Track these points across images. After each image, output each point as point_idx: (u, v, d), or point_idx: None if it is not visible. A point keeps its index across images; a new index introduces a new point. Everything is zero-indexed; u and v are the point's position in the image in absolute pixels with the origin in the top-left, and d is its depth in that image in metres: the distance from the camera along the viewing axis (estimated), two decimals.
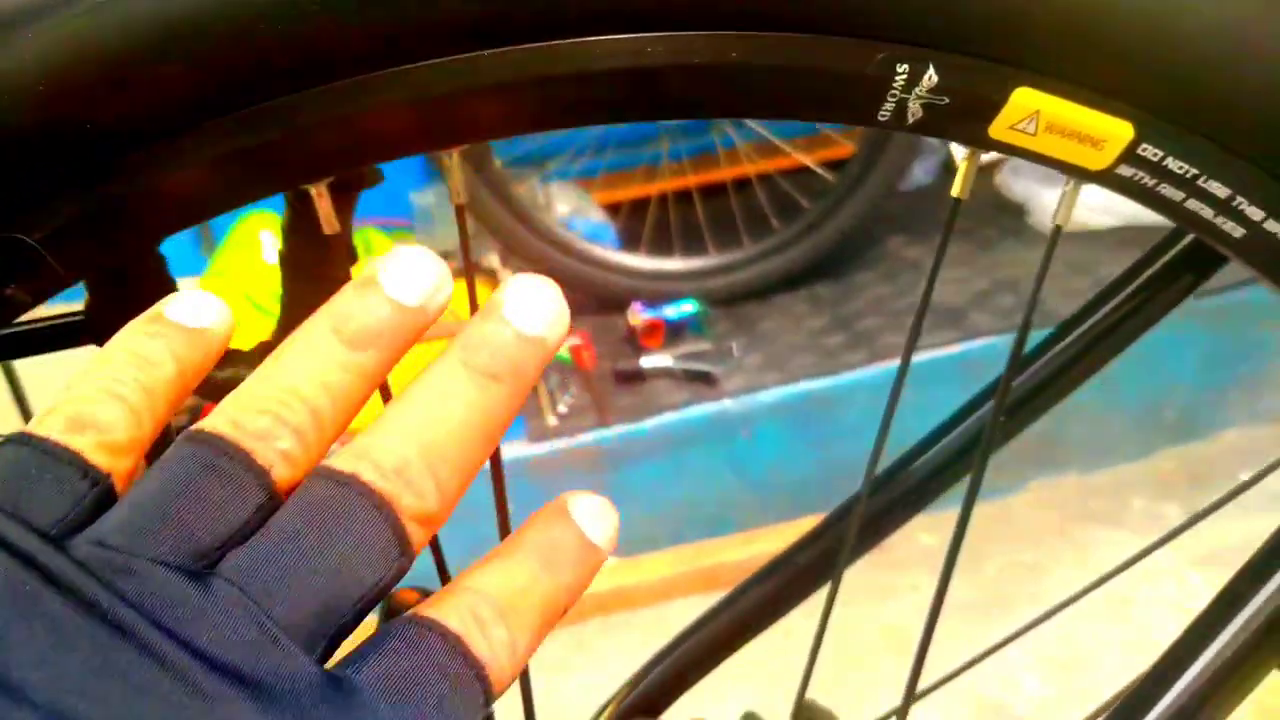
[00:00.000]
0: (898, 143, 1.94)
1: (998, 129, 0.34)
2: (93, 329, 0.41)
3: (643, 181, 2.29)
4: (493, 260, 2.26)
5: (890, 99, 0.32)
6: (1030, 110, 0.33)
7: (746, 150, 2.16)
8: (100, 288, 0.40)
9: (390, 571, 0.25)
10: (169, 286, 0.41)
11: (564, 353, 1.96)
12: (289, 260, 0.40)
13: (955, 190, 0.39)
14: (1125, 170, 0.35)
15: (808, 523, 2.00)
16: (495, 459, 0.39)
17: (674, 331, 2.02)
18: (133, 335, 0.27)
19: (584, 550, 0.28)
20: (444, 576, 0.41)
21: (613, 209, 2.29)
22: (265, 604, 0.23)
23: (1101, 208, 2.11)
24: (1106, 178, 0.36)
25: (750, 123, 2.11)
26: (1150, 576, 1.80)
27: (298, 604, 0.23)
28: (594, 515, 0.29)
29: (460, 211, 0.35)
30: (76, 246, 0.33)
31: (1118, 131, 0.34)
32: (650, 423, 1.84)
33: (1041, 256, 0.40)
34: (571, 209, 2.25)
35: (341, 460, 0.25)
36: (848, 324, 1.99)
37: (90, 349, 0.41)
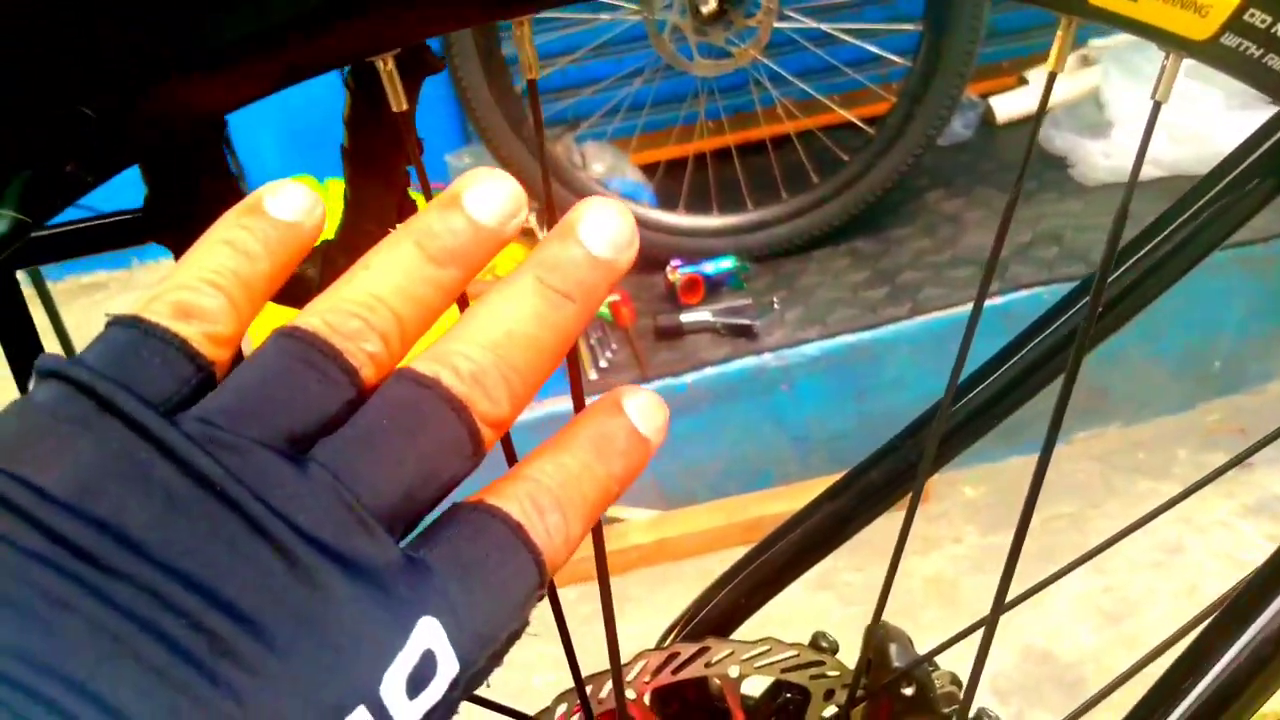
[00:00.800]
0: (936, 96, 1.91)
1: None
2: (152, 225, 0.40)
3: (679, 141, 2.26)
4: (530, 219, 2.25)
5: None
6: None
7: (785, 107, 2.13)
8: (159, 180, 0.39)
9: (464, 468, 0.27)
10: (229, 180, 0.40)
11: (604, 309, 1.95)
12: (352, 153, 0.39)
13: (1051, 64, 0.38)
14: (1230, 40, 0.33)
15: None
16: (574, 358, 0.38)
17: (713, 287, 2.01)
18: (232, 226, 0.28)
19: (634, 442, 0.29)
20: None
21: (649, 169, 2.27)
22: (354, 489, 0.24)
23: (1148, 159, 2.07)
24: (1209, 49, 0.34)
25: (791, 78, 2.08)
26: (1200, 527, 1.78)
27: (383, 491, 0.25)
28: (644, 409, 0.30)
29: (532, 86, 0.34)
30: (137, 119, 0.32)
31: None
32: (690, 377, 1.83)
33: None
34: (607, 168, 2.23)
35: (423, 364, 0.27)
36: (888, 278, 1.97)
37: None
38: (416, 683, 0.24)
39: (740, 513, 1.90)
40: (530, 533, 0.26)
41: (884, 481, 0.55)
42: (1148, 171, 2.06)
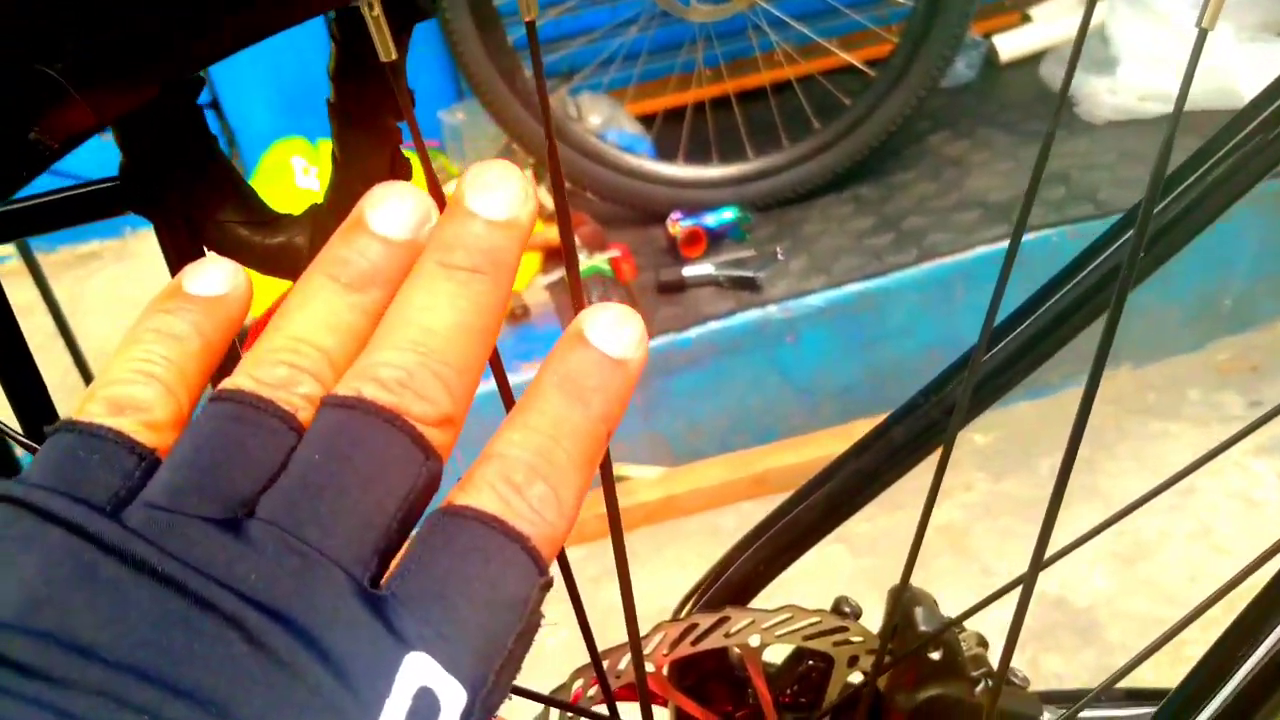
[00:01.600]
0: (940, 36, 1.87)
1: None
2: (130, 195, 0.38)
3: (677, 90, 2.22)
4: (526, 175, 2.21)
5: None
6: None
7: (785, 51, 2.09)
8: (135, 146, 0.36)
9: (420, 478, 0.25)
10: (209, 143, 0.37)
11: (604, 265, 1.92)
12: (339, 108, 0.37)
13: None
14: None
15: (858, 427, 1.95)
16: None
17: (715, 239, 1.98)
18: (156, 313, 0.28)
19: (607, 370, 0.27)
20: None
21: (647, 120, 2.23)
22: (302, 533, 0.23)
23: (1152, 94, 2.04)
24: None
25: (790, 21, 2.04)
26: (1212, 468, 1.76)
27: (333, 527, 0.24)
28: (610, 328, 0.28)
29: (530, 27, 0.31)
30: (104, 79, 0.29)
31: None
32: (694, 332, 1.81)
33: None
34: (604, 120, 2.19)
35: (344, 386, 0.26)
36: (893, 224, 1.94)
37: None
38: None
39: (747, 467, 1.88)
40: (509, 519, 0.25)
41: (908, 438, 0.53)
42: (1154, 109, 2.03)
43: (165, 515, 0.23)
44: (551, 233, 2.02)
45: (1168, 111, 2.02)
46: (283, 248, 0.38)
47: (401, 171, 0.38)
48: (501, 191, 0.28)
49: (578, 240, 1.99)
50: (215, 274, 0.29)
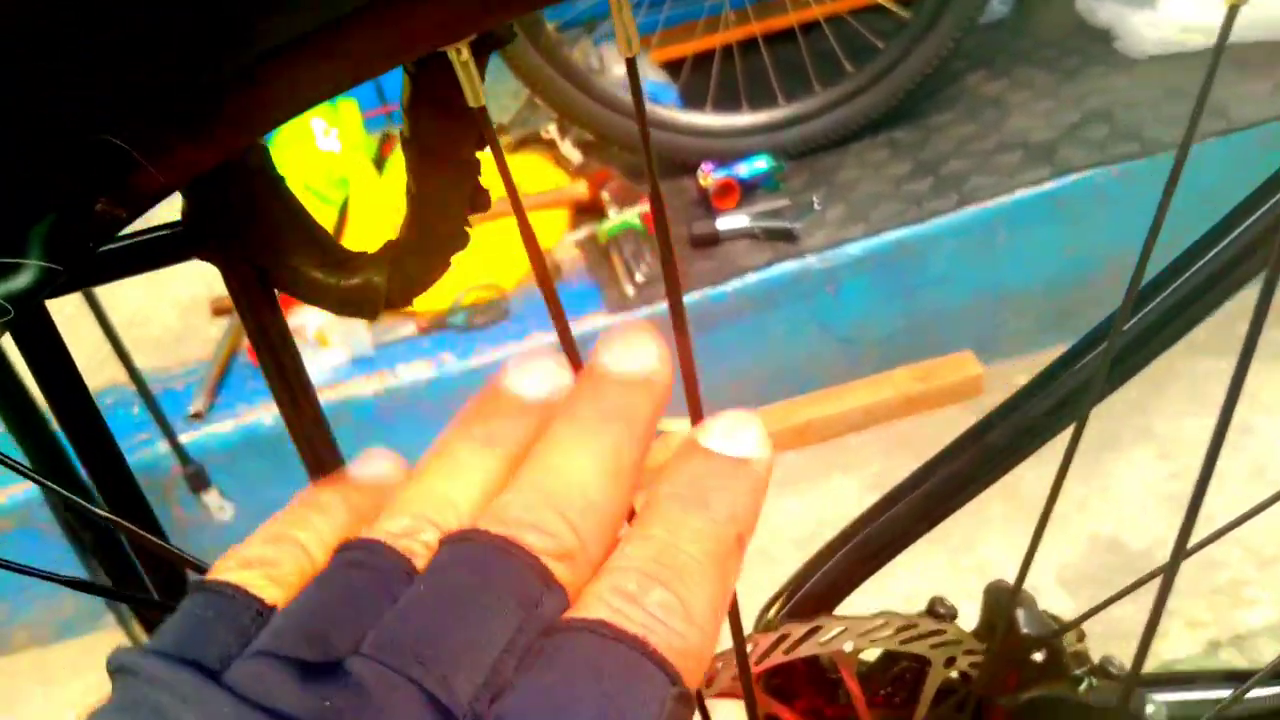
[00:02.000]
0: None
1: None
2: (195, 240, 0.35)
3: (704, 34, 2.17)
4: (551, 129, 2.18)
5: None
6: None
7: None
8: (200, 192, 0.34)
9: (539, 611, 0.24)
10: (275, 184, 0.35)
11: (636, 220, 1.89)
12: (415, 142, 0.34)
13: None
14: None
15: (900, 374, 1.89)
16: None
17: (748, 190, 1.94)
18: (313, 489, 0.29)
19: (727, 470, 0.27)
20: None
21: (673, 67, 2.18)
22: (407, 670, 0.22)
23: (1194, 27, 1.97)
24: None
25: None
26: (1267, 406, 1.73)
27: (433, 659, 0.23)
28: (725, 433, 0.28)
29: (631, 64, 0.28)
30: (176, 145, 0.27)
31: None
32: (731, 286, 1.78)
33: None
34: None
35: (461, 524, 0.26)
36: (932, 168, 1.90)
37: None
38: None
39: (789, 417, 1.86)
40: (622, 625, 0.23)
41: (1006, 440, 0.51)
42: (1197, 41, 1.96)
43: (261, 662, 0.23)
44: (579, 188, 1.98)
45: (1211, 44, 1.96)
46: (360, 289, 0.36)
47: (481, 204, 0.35)
48: (636, 353, 0.29)
49: (606, 195, 1.96)
50: (381, 465, 0.30)
